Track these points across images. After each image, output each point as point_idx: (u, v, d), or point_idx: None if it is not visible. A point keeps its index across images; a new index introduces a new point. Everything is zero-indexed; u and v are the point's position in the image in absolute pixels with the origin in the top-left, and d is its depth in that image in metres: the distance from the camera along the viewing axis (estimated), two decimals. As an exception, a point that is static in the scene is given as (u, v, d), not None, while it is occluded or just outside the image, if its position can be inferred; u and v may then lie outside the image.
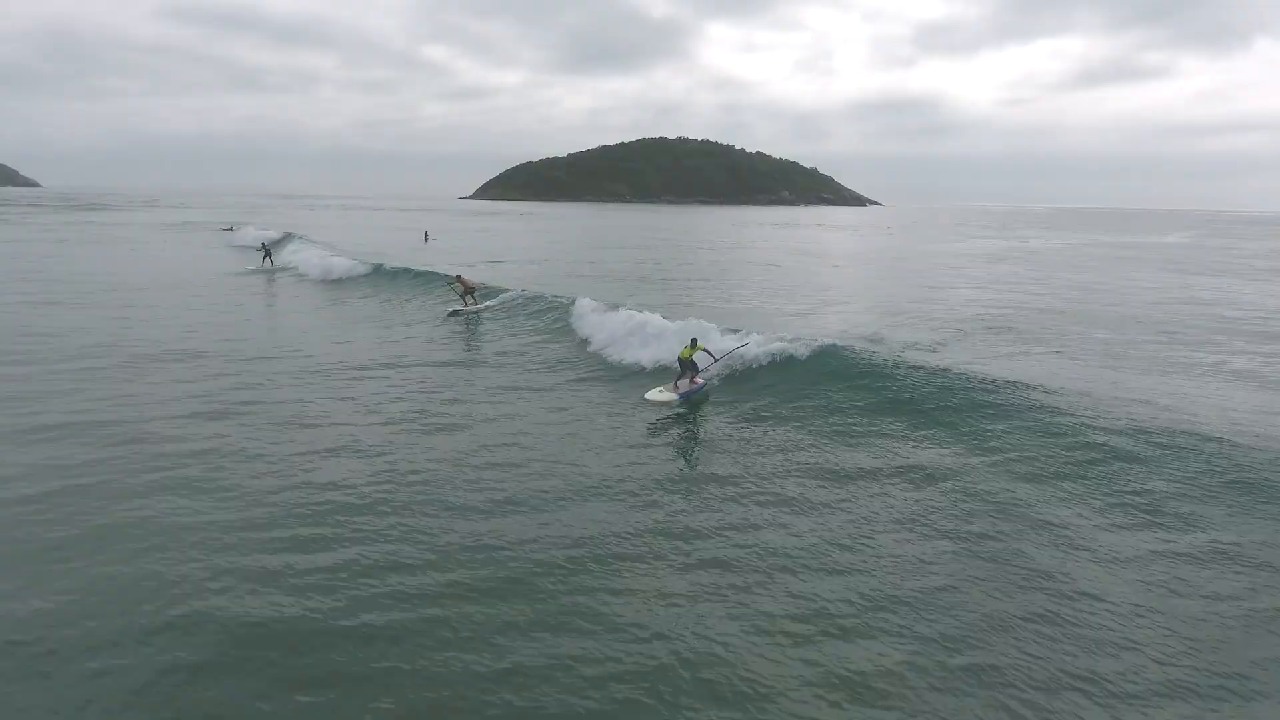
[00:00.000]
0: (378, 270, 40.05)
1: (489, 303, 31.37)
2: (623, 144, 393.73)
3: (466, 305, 31.05)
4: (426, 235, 76.17)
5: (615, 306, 25.24)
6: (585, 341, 23.44)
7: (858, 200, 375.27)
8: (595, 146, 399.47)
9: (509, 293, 32.27)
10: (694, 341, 17.89)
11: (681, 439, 15.24)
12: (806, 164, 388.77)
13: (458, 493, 11.73)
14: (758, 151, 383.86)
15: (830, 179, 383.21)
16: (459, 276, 32.06)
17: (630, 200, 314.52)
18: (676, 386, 17.39)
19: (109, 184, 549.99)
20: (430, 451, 13.69)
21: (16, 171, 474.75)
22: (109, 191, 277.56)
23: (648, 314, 23.01)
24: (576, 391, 18.32)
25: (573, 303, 26.97)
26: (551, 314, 27.67)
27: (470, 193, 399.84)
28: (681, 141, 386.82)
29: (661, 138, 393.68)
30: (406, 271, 38.98)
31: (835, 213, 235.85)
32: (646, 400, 16.98)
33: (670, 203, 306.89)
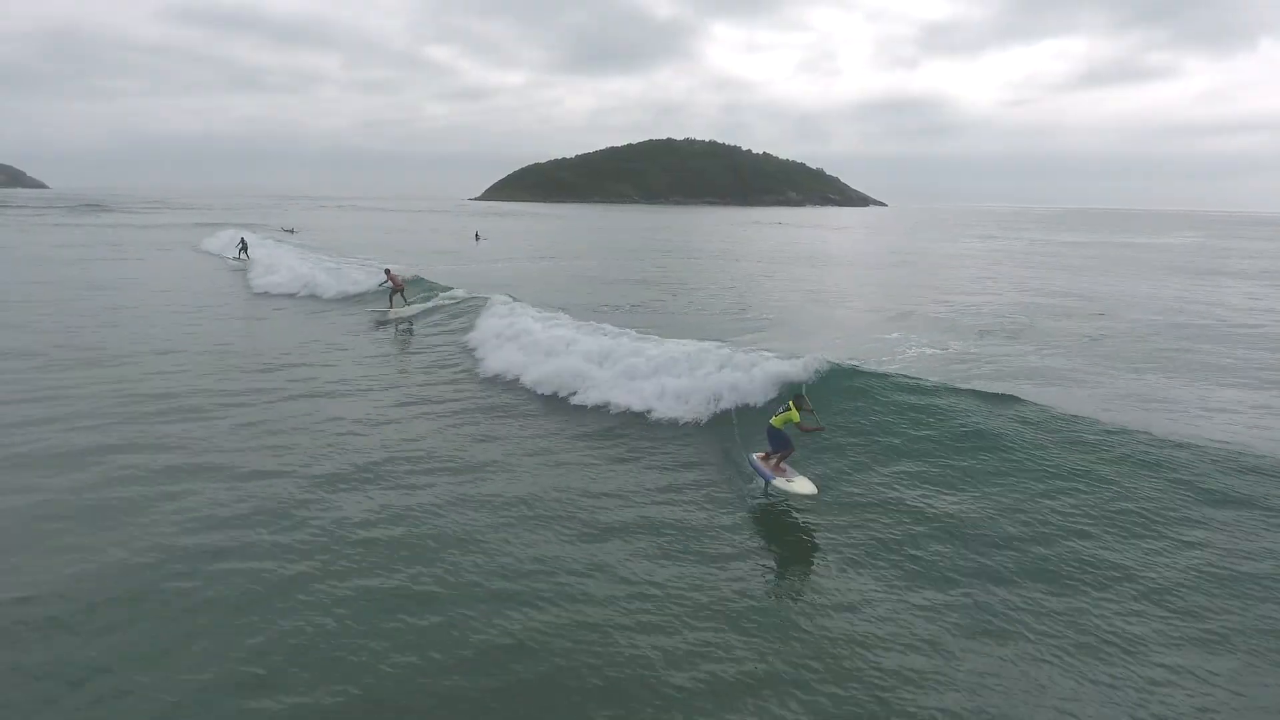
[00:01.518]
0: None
1: (419, 306, 29.10)
2: (629, 145, 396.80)
3: (392, 306, 28.67)
4: (478, 235, 76.52)
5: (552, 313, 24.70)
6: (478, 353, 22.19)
7: (862, 201, 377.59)
8: (602, 148, 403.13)
9: (450, 291, 30.46)
10: (799, 399, 12.59)
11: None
12: (813, 165, 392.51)
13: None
14: (764, 153, 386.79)
15: (835, 179, 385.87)
16: (388, 271, 29.69)
17: (636, 201, 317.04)
18: (779, 468, 12.51)
19: (111, 184, 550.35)
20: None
21: (24, 173, 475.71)
22: (116, 192, 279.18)
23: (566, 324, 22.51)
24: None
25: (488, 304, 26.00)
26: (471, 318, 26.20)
27: (478, 194, 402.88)
28: (688, 143, 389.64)
29: (668, 139, 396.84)
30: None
31: (841, 213, 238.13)
32: (781, 489, 12.12)
33: (676, 204, 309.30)
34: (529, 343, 21.06)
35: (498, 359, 20.59)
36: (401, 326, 27.10)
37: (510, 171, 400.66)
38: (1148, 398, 17.61)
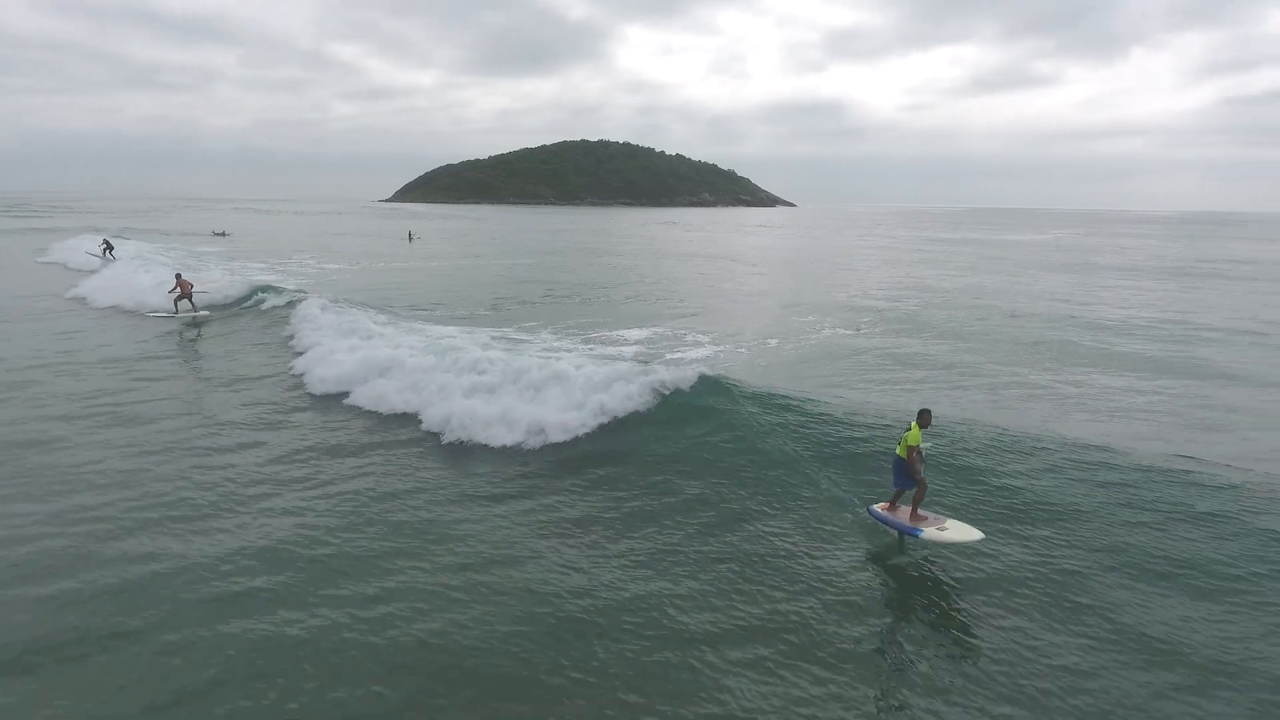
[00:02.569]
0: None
1: (204, 312, 28.32)
2: (544, 146, 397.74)
3: (179, 312, 27.86)
4: (411, 235, 78.29)
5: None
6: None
7: (772, 201, 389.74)
8: (516, 149, 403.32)
9: (261, 297, 29.41)
10: (924, 414, 10.41)
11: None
12: (724, 166, 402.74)
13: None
14: (678, 154, 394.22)
15: (747, 180, 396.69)
16: (178, 277, 28.72)
17: (553, 202, 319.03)
18: (918, 514, 10.40)
19: (9, 187, 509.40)
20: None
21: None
22: (22, 195, 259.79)
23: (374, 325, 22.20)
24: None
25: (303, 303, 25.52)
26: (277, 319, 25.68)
27: (389, 195, 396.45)
28: (604, 144, 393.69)
29: (584, 140, 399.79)
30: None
31: (751, 213, 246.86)
32: (936, 540, 9.98)
33: (593, 204, 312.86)
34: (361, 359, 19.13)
35: (323, 369, 18.92)
36: (188, 335, 25.98)
37: (422, 173, 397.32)
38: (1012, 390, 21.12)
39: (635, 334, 26.20)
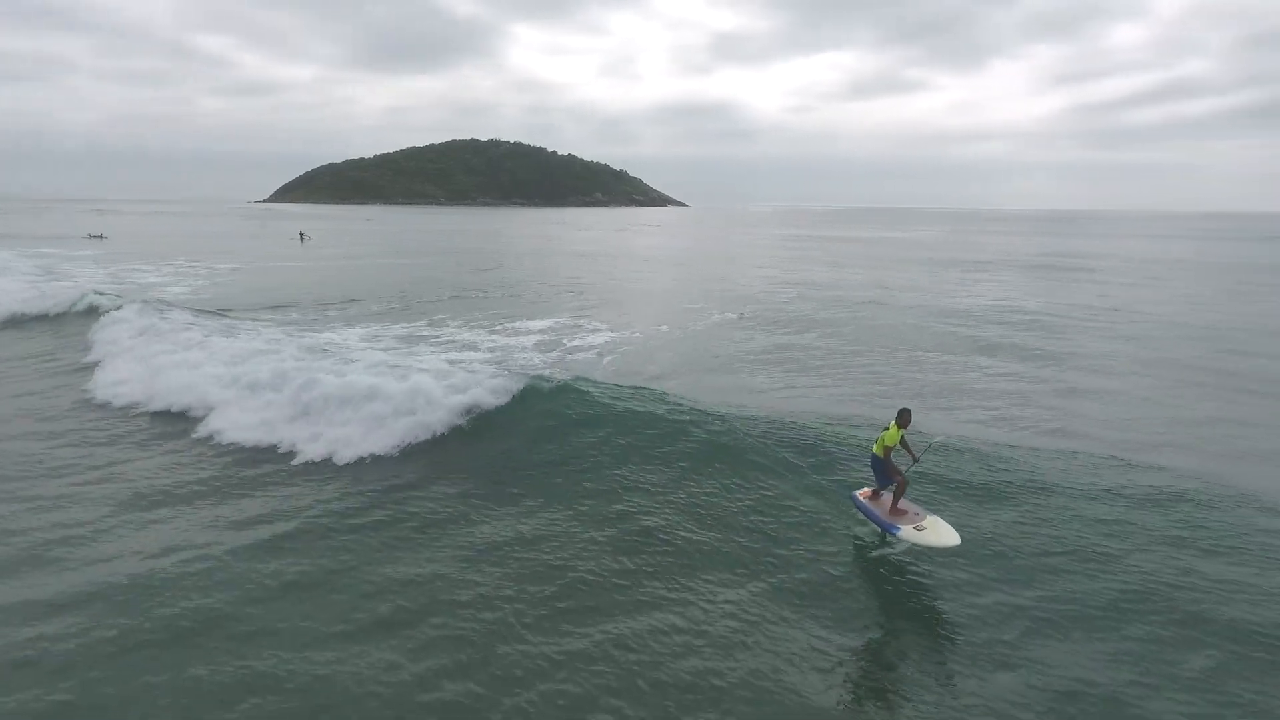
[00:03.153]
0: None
1: None
2: (433, 145, 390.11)
3: None
4: (302, 235, 76.80)
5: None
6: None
7: (665, 201, 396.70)
8: (404, 147, 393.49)
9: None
10: (904, 414, 10.27)
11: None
12: (617, 166, 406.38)
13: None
14: (570, 154, 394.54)
15: (640, 180, 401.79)
16: None
17: (443, 202, 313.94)
18: (898, 509, 10.21)
19: None
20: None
21: None
22: None
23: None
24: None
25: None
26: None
27: (267, 195, 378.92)
28: (494, 143, 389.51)
29: (473, 139, 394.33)
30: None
31: (646, 213, 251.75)
32: (913, 542, 9.65)
33: (485, 204, 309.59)
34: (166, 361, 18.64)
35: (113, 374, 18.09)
36: None
37: (303, 171, 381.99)
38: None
39: (538, 324, 28.12)
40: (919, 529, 9.56)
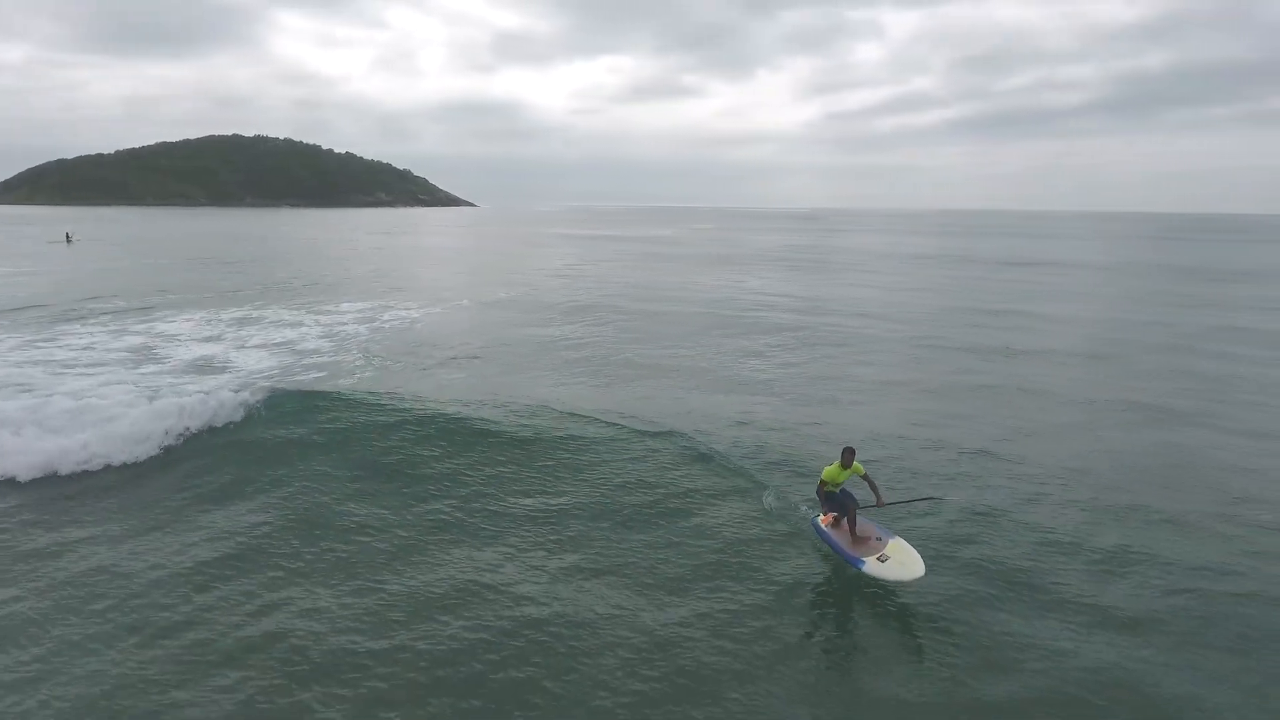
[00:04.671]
0: None
1: None
2: (188, 140, 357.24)
3: None
4: (68, 236, 73.00)
5: None
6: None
7: (453, 201, 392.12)
8: (154, 142, 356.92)
9: None
10: (850, 454, 9.98)
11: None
12: (400, 165, 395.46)
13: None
14: (348, 152, 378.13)
15: (424, 180, 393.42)
16: None
17: (203, 203, 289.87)
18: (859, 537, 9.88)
19: None
20: None
21: None
22: None
23: None
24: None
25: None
26: None
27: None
28: (260, 140, 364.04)
29: (236, 135, 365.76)
30: None
31: (434, 213, 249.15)
32: (877, 576, 9.14)
33: (253, 206, 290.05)
34: None
35: None
36: None
37: (23, 168, 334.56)
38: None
39: (350, 306, 32.07)
40: (882, 559, 9.11)
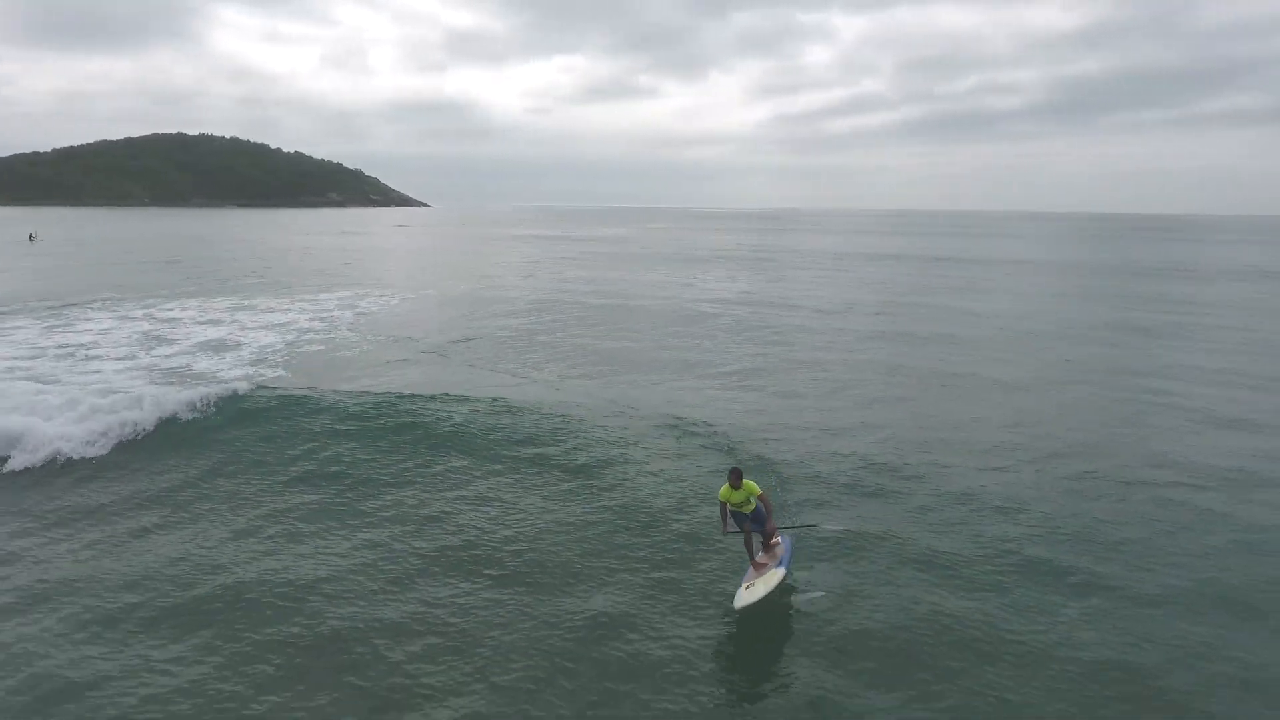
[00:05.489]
0: None
1: None
2: (130, 139, 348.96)
3: None
4: (32, 236, 74.38)
5: None
6: None
7: (406, 201, 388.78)
8: (93, 140, 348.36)
9: None
10: (738, 475, 9.88)
11: None
12: (350, 164, 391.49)
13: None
14: (297, 151, 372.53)
15: (376, 180, 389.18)
16: None
17: (148, 203, 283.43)
18: (755, 561, 9.80)
19: None
20: None
21: None
22: None
23: None
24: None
25: None
26: None
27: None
28: (206, 138, 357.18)
29: (180, 133, 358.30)
30: None
31: (387, 213, 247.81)
32: (737, 610, 8.95)
33: (200, 206, 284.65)
34: None
35: None
36: None
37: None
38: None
39: (328, 296, 35.34)
40: (749, 586, 9.22)
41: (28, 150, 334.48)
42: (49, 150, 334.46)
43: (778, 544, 9.99)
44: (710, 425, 15.22)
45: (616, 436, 14.65)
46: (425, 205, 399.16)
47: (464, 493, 12.48)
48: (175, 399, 15.49)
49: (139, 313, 29.87)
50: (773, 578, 9.32)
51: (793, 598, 9.51)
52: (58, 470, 13.67)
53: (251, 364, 20.70)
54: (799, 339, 25.99)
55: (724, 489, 9.82)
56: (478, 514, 11.69)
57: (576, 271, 51.11)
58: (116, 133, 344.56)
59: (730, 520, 9.94)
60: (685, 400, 17.56)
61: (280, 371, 20.18)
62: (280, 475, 13.18)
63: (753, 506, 9.73)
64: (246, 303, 32.67)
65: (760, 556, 9.78)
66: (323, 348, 23.54)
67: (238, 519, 11.70)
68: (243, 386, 16.62)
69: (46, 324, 27.26)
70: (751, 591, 9.09)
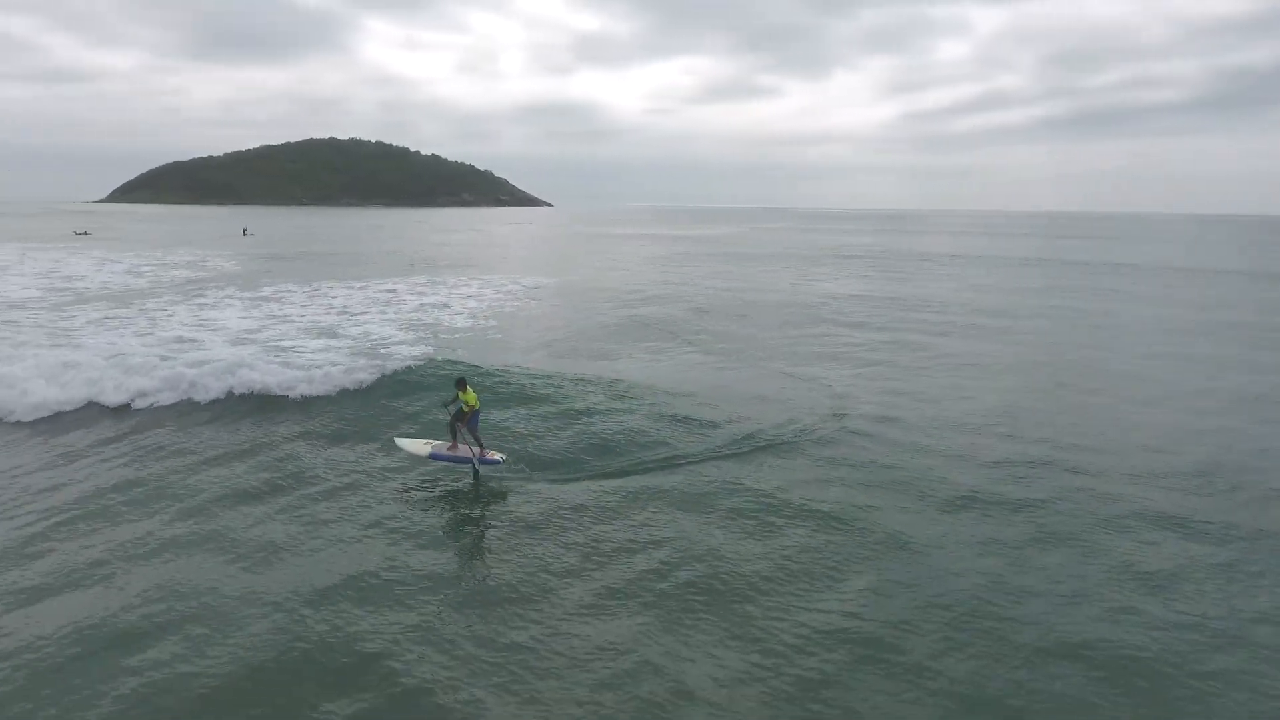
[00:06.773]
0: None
1: None
2: (289, 144, 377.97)
3: None
4: (245, 231, 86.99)
5: None
6: None
7: (532, 201, 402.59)
8: (254, 145, 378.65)
9: None
10: (464, 383, 12.75)
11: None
12: (481, 166, 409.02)
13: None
14: (434, 154, 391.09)
15: (505, 181, 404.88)
16: None
17: (306, 203, 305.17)
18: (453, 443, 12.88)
19: None
20: None
21: None
22: None
23: None
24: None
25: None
26: None
27: (104, 195, 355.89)
28: (356, 143, 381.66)
29: (332, 138, 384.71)
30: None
31: (515, 212, 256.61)
32: (397, 444, 12.67)
33: (349, 205, 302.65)
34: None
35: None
36: None
37: (142, 169, 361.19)
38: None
39: (499, 277, 41.03)
40: (425, 443, 13.16)
41: (201, 155, 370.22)
42: (221, 154, 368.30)
43: (474, 450, 12.67)
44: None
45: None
46: (549, 205, 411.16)
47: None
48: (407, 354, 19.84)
49: (358, 285, 36.57)
50: (424, 449, 12.86)
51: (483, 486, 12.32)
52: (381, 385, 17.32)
53: (469, 319, 26.58)
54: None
55: (468, 395, 12.65)
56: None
57: (710, 267, 54.97)
58: (269, 137, 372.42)
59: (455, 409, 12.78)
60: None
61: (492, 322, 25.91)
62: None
63: (471, 411, 12.61)
64: (438, 279, 39.22)
65: (455, 445, 12.82)
66: (502, 320, 28.63)
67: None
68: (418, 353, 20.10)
69: (307, 292, 34.14)
70: (414, 445, 12.90)
